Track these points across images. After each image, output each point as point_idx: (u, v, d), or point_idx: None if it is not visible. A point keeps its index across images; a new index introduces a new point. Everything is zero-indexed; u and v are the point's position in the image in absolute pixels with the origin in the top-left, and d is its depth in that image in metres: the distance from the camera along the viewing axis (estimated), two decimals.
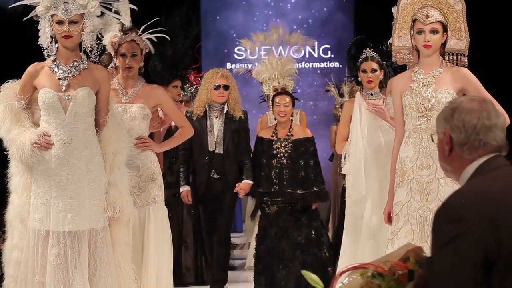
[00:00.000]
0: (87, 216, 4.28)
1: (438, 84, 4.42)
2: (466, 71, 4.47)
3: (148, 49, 5.10)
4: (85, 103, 4.31)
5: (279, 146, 6.45)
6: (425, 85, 4.44)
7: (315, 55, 11.98)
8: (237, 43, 8.34)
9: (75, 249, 4.22)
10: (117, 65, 5.08)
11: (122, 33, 4.96)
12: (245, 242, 8.96)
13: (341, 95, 9.19)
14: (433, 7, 4.46)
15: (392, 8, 4.85)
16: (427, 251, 2.39)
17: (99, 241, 4.30)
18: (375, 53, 5.78)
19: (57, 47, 4.34)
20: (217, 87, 6.37)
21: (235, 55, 11.44)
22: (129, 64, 4.96)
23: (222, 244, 6.42)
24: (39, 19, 4.34)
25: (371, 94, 5.70)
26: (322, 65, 12.01)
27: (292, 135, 6.50)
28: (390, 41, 4.92)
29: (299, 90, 9.37)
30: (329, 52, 12.02)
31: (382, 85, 5.75)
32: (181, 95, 7.44)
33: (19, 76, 4.40)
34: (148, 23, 5.15)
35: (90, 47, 4.33)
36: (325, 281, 2.57)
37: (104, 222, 4.34)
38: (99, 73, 4.43)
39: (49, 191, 4.27)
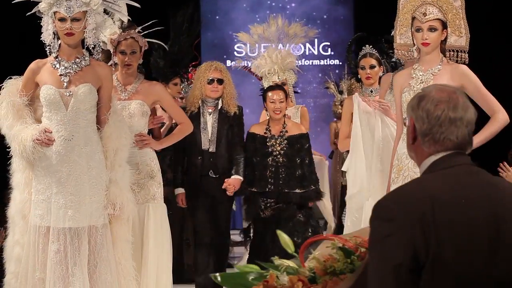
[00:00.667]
0: (87, 212, 4.28)
1: (436, 81, 4.43)
2: (465, 68, 4.46)
3: (147, 47, 5.10)
4: (87, 99, 4.31)
5: (274, 143, 6.12)
6: (422, 82, 4.44)
7: (315, 52, 11.99)
8: (235, 39, 7.92)
9: (75, 245, 4.22)
10: (116, 62, 5.07)
11: (121, 30, 4.97)
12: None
13: (341, 92, 9.21)
14: (432, 4, 4.45)
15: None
16: None
17: (99, 238, 4.31)
18: (374, 50, 5.80)
19: (59, 44, 4.35)
20: (210, 81, 5.97)
21: (235, 52, 11.44)
22: (128, 61, 4.97)
23: (220, 246, 6.03)
24: (42, 15, 4.34)
25: (371, 91, 5.70)
26: (322, 62, 12.02)
27: (286, 131, 6.16)
28: (393, 33, 4.92)
29: (300, 85, 9.29)
30: (329, 49, 12.02)
31: None
32: (182, 92, 7.43)
33: (21, 73, 4.40)
34: (149, 22, 5.16)
35: (93, 44, 4.34)
36: None
37: (104, 219, 4.35)
38: (101, 70, 4.43)
39: (49, 188, 4.27)
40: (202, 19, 11.46)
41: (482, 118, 4.43)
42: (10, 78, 4.42)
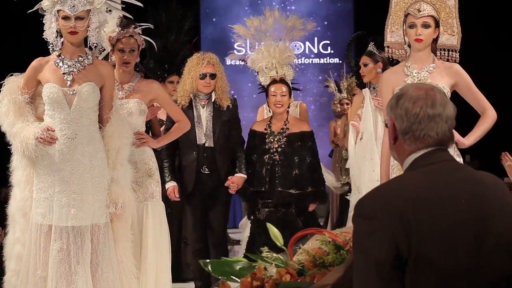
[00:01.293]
0: (90, 211, 4.28)
1: (433, 79, 4.44)
2: (458, 67, 4.49)
3: (144, 45, 5.09)
4: (90, 98, 4.31)
5: (272, 140, 5.85)
6: (420, 80, 4.45)
7: (315, 50, 12.00)
8: (231, 32, 7.54)
9: (78, 244, 4.22)
10: (112, 60, 5.03)
11: (120, 28, 4.95)
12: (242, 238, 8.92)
13: (340, 91, 9.22)
14: (426, 2, 4.47)
15: None
16: None
17: (101, 236, 4.30)
18: (375, 48, 5.85)
19: (62, 42, 4.33)
20: (203, 77, 5.67)
21: (235, 51, 11.43)
22: (127, 60, 4.95)
23: (219, 247, 5.77)
24: (44, 13, 4.33)
25: (373, 88, 5.77)
26: (321, 61, 12.02)
27: (287, 128, 5.87)
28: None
29: (299, 83, 9.27)
30: (329, 47, 12.03)
31: None
32: None
33: (23, 70, 4.39)
34: (145, 24, 5.15)
35: (96, 43, 4.33)
36: None
37: (106, 217, 4.35)
38: (104, 69, 4.43)
39: (52, 186, 4.26)
40: (201, 16, 11.50)
41: (476, 116, 4.49)
42: (11, 75, 4.40)
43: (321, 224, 8.44)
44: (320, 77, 11.33)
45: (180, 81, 5.87)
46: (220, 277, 2.70)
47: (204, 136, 5.70)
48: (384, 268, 2.09)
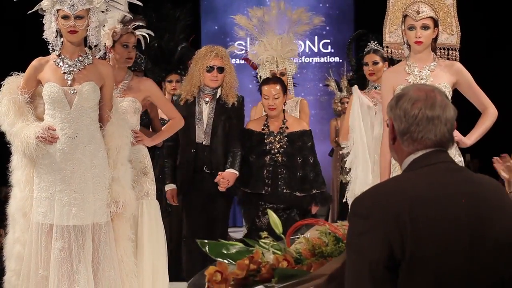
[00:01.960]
0: (91, 210, 4.28)
1: (434, 78, 4.45)
2: (459, 65, 4.50)
3: (135, 43, 5.07)
4: (90, 97, 4.31)
5: (273, 140, 5.53)
6: (422, 79, 4.46)
7: (315, 49, 11.99)
8: (231, 29, 7.07)
9: (79, 243, 4.23)
10: (107, 57, 4.94)
11: (122, 25, 4.95)
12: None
13: (340, 90, 9.23)
14: (424, 2, 4.48)
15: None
16: None
17: (102, 235, 4.31)
18: (379, 46, 5.82)
19: (62, 42, 4.34)
20: (210, 69, 5.41)
21: (236, 51, 11.41)
22: (131, 55, 4.97)
23: None
24: (44, 13, 4.33)
25: (375, 88, 5.73)
26: (322, 60, 12.01)
27: (287, 127, 5.57)
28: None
29: (299, 83, 9.25)
30: (329, 46, 12.02)
31: None
32: None
33: (23, 70, 4.39)
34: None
35: (95, 42, 4.33)
36: None
37: (107, 217, 4.35)
38: (104, 68, 4.43)
39: (53, 185, 4.27)
40: (202, 15, 11.49)
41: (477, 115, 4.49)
42: (11, 74, 4.40)
43: None
44: (321, 76, 11.33)
45: (187, 73, 5.65)
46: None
47: (203, 134, 5.47)
48: (377, 268, 2.08)
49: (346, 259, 2.21)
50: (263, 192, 5.47)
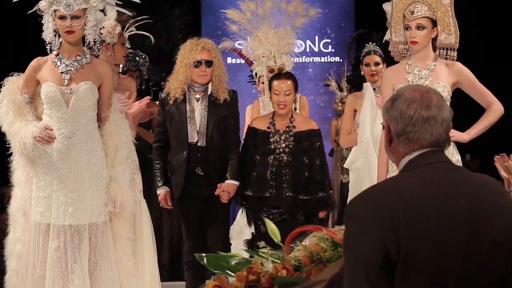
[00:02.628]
0: (88, 210, 4.29)
1: (434, 78, 4.46)
2: (460, 65, 4.51)
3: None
4: (87, 97, 4.32)
5: (278, 139, 5.20)
6: (421, 78, 4.46)
7: (316, 49, 11.99)
8: (223, 16, 6.56)
9: (75, 243, 4.23)
10: (99, 54, 4.75)
11: (120, 24, 4.94)
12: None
13: (341, 90, 9.24)
14: (421, 2, 4.48)
15: (383, 4, 4.88)
16: None
17: (99, 235, 4.31)
18: (378, 47, 5.82)
19: (60, 42, 4.35)
20: (197, 64, 5.03)
21: (236, 45, 11.41)
22: (126, 53, 5.00)
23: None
24: (42, 14, 4.35)
25: (374, 89, 5.72)
26: (322, 59, 12.01)
27: (294, 126, 5.25)
28: (386, 38, 4.94)
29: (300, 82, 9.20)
30: (330, 46, 12.02)
31: None
32: None
33: (23, 70, 4.41)
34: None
35: (93, 41, 4.35)
36: None
37: (105, 216, 4.35)
38: (102, 68, 4.44)
39: (50, 185, 4.28)
40: (202, 14, 11.49)
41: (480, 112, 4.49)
42: (11, 75, 4.42)
43: None
44: (321, 76, 11.32)
45: (173, 71, 5.23)
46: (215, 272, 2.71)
47: (196, 134, 5.08)
48: (373, 269, 2.08)
49: (343, 261, 2.21)
50: (267, 194, 5.15)
